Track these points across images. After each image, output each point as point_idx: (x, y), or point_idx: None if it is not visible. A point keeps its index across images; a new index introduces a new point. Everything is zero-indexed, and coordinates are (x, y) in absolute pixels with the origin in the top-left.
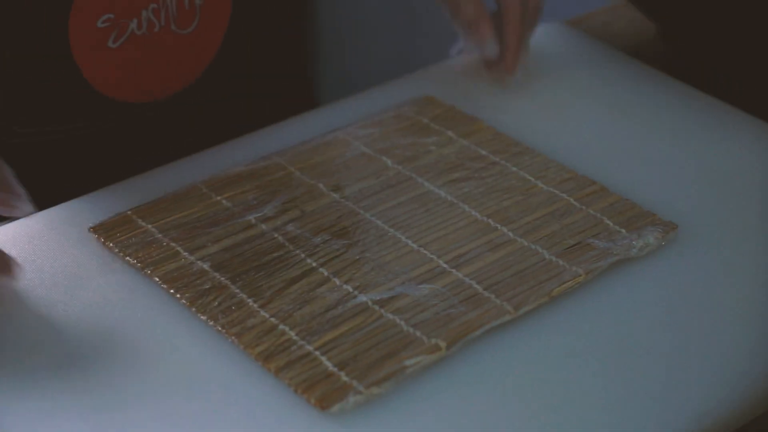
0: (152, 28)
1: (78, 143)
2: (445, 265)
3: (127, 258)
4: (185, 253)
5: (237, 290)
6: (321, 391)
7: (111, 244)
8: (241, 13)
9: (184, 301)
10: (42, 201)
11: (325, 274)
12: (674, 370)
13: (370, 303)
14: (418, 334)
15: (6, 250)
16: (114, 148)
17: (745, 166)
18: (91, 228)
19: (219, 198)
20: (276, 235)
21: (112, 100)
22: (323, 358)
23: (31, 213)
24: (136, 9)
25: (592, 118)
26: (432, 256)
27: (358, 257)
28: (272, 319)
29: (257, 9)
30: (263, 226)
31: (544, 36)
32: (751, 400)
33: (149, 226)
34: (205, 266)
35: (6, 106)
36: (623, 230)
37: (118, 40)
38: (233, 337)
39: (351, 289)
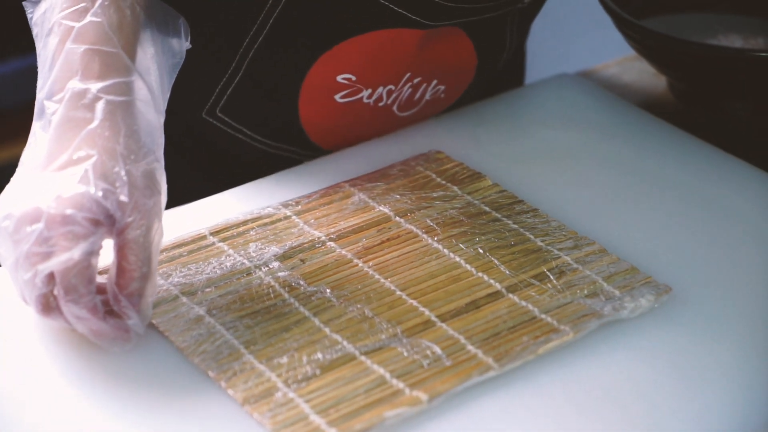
0: (378, 102)
1: (260, 155)
2: (435, 319)
3: None
4: (184, 299)
5: (230, 336)
6: None
7: None
8: (455, 106)
9: (178, 345)
10: (187, 188)
11: (317, 323)
12: (658, 431)
13: (357, 354)
14: (401, 385)
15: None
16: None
17: (752, 222)
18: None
19: (221, 244)
20: (273, 283)
21: (309, 139)
22: (305, 406)
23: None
24: (375, 82)
25: (600, 171)
26: (423, 309)
27: (350, 308)
28: (260, 366)
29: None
30: (261, 274)
31: (556, 87)
32: None
33: None
34: (202, 311)
35: (221, 91)
36: (617, 291)
37: (345, 98)
38: (221, 381)
39: (340, 339)
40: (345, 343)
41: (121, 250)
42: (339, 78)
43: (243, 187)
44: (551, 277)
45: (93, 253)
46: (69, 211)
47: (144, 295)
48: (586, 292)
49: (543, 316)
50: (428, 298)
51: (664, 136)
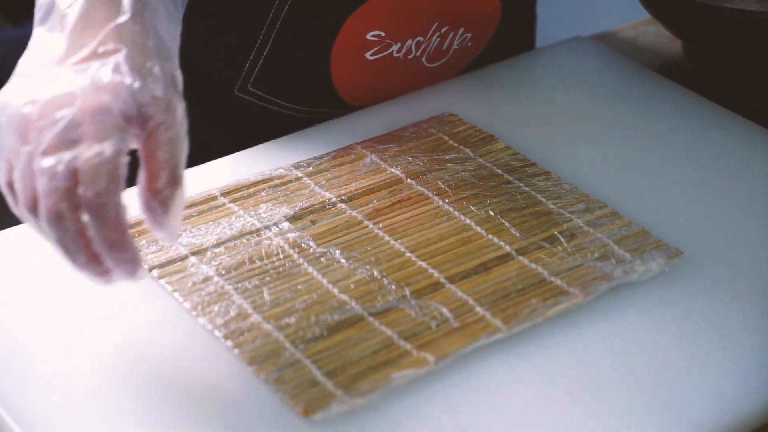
0: (407, 55)
1: (290, 121)
2: (444, 281)
3: None
4: (193, 259)
5: (238, 296)
6: (306, 399)
7: None
8: (483, 58)
9: (186, 305)
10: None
11: (325, 284)
12: (667, 395)
13: (365, 314)
14: (408, 347)
15: (25, 249)
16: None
17: (765, 186)
18: None
19: (232, 205)
20: (283, 244)
21: (341, 99)
22: (312, 367)
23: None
24: (404, 35)
25: (614, 135)
26: (432, 271)
27: (359, 269)
28: (268, 326)
29: (498, 52)
30: (271, 235)
31: (570, 50)
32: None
33: None
34: (211, 271)
35: (251, 66)
36: (628, 254)
37: (376, 55)
38: (228, 341)
39: (349, 300)
40: (353, 303)
41: (151, 153)
42: (369, 36)
43: (255, 148)
44: (562, 239)
45: (122, 152)
46: (106, 99)
47: (175, 201)
48: (596, 255)
49: (553, 278)
50: (438, 260)
51: (678, 100)
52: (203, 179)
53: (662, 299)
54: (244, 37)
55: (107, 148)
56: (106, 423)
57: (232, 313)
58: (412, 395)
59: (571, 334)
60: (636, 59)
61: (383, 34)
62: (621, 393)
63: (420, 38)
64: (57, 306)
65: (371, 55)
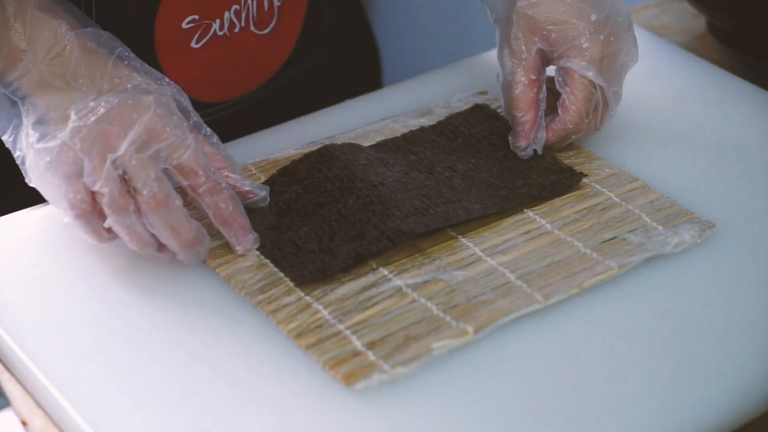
0: (233, 29)
1: None
2: (481, 254)
3: None
4: None
5: (275, 269)
6: (347, 369)
7: None
8: (314, 13)
9: (224, 277)
10: None
11: None
12: (702, 365)
13: (404, 287)
14: (447, 318)
15: (57, 228)
16: None
17: None
18: None
19: (266, 179)
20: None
21: (196, 101)
22: (353, 338)
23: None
24: (219, 10)
25: (642, 110)
26: (469, 244)
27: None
28: (307, 298)
29: (329, 8)
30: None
31: None
32: None
33: None
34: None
35: None
36: (660, 227)
37: (200, 41)
38: (268, 314)
39: (387, 273)
40: (391, 276)
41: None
42: (184, 25)
43: (287, 124)
44: (595, 213)
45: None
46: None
47: None
48: (629, 227)
49: (587, 251)
50: (474, 233)
51: (704, 75)
52: (238, 154)
53: (695, 271)
54: None
55: (191, 140)
56: (146, 392)
57: (271, 286)
58: (451, 365)
59: (606, 305)
60: (660, 35)
61: (198, 17)
62: (655, 362)
63: (236, 6)
64: (97, 280)
65: (196, 43)
